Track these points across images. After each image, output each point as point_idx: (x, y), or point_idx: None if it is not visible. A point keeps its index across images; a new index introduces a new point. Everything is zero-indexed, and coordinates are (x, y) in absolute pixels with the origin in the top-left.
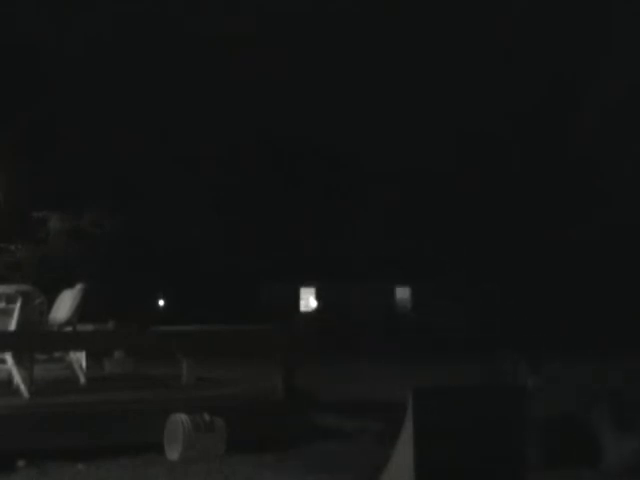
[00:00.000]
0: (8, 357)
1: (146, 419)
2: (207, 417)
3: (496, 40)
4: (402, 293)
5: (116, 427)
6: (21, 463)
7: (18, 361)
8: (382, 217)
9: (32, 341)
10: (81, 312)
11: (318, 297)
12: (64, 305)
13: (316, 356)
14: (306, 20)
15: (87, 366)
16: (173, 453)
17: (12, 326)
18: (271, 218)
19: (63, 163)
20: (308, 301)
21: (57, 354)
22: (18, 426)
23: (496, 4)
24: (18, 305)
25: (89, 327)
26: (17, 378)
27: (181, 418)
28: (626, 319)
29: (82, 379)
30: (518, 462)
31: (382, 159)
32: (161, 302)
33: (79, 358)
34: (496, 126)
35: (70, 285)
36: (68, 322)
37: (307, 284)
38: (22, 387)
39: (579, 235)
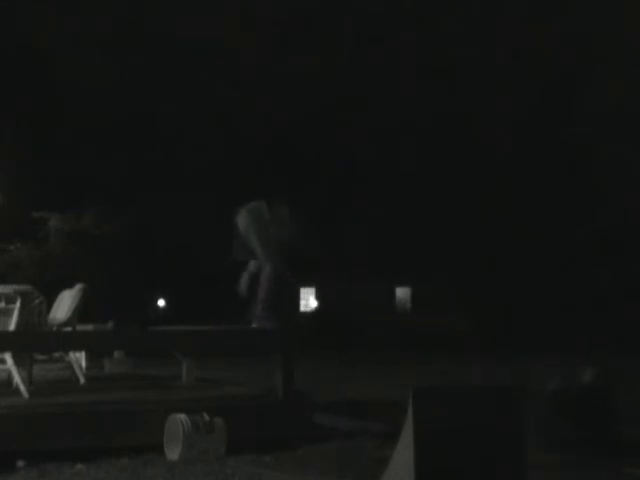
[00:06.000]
0: (8, 357)
1: (146, 419)
2: (207, 417)
3: (494, 41)
4: (402, 293)
5: (116, 427)
6: (21, 463)
7: (18, 361)
8: (382, 217)
9: (31, 341)
10: (81, 312)
11: (318, 297)
12: (64, 305)
13: (316, 356)
14: (306, 20)
15: (87, 366)
16: (173, 453)
17: (11, 326)
18: None
19: (64, 163)
20: (308, 301)
21: (57, 354)
22: (18, 426)
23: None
24: (17, 305)
25: (89, 327)
26: (17, 378)
27: (181, 418)
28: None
29: (82, 379)
30: (518, 462)
31: (382, 160)
32: (161, 302)
33: (79, 358)
34: (495, 126)
35: (70, 285)
36: (68, 322)
37: (307, 284)
38: (22, 387)
39: (579, 235)
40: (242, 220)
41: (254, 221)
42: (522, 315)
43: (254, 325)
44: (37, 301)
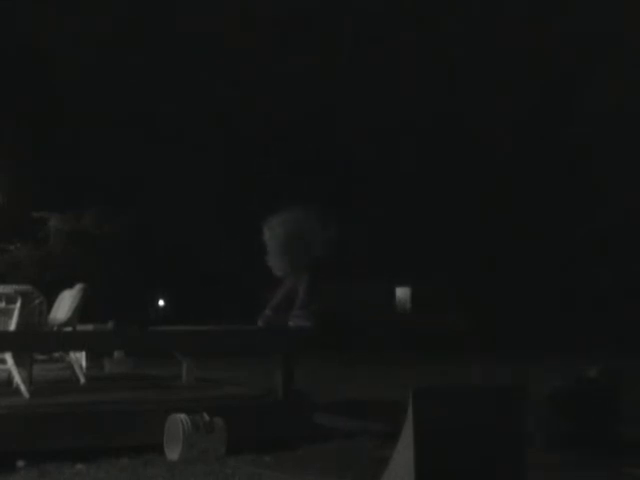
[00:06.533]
0: (8, 357)
1: (146, 419)
2: (207, 417)
3: (494, 41)
4: (402, 293)
5: (116, 427)
6: (21, 463)
7: (18, 361)
8: (382, 217)
9: (32, 341)
10: (81, 312)
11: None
12: (64, 305)
13: (316, 356)
14: (306, 20)
15: (87, 366)
16: (173, 453)
17: (12, 326)
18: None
19: (64, 163)
20: None
21: (57, 354)
22: (18, 426)
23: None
24: (18, 305)
25: (89, 327)
26: (17, 378)
27: (181, 418)
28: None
29: (82, 379)
30: (518, 462)
31: (382, 160)
32: (161, 302)
33: (79, 358)
34: (495, 126)
35: (70, 285)
36: (68, 322)
37: None
38: (22, 387)
39: (579, 235)
40: (265, 238)
41: (272, 238)
42: (522, 315)
43: (290, 324)
44: (37, 301)
